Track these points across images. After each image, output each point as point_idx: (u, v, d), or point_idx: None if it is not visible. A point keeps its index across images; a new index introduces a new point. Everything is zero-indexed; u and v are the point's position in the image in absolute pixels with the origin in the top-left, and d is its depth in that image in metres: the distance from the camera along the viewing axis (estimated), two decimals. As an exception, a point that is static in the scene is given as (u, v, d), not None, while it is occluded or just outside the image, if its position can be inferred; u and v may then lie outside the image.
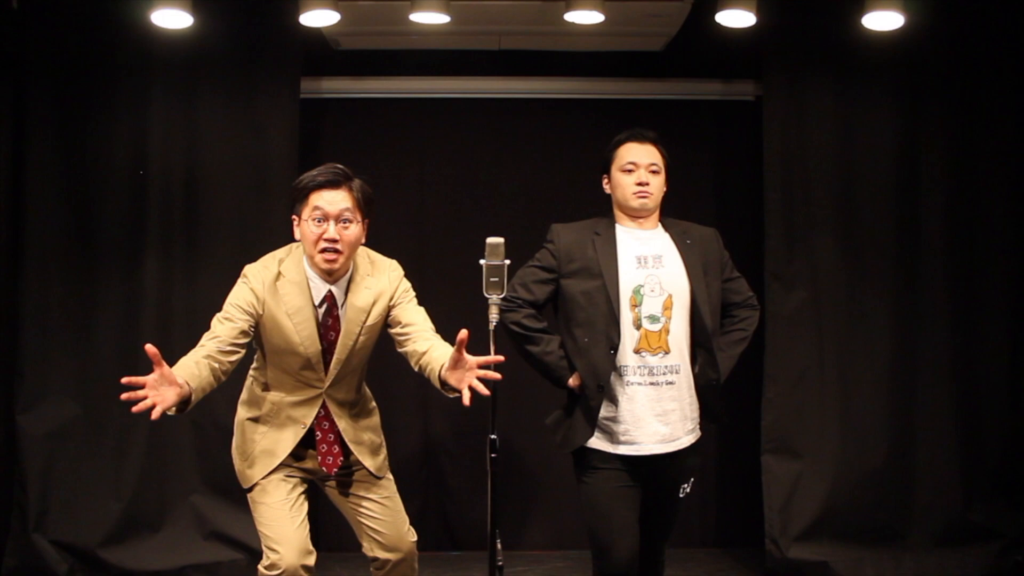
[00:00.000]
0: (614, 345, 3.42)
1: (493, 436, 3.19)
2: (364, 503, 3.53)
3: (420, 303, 3.56)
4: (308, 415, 3.44)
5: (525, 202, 5.53)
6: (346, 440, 3.46)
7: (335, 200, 3.29)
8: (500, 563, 3.19)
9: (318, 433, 3.45)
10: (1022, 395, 5.20)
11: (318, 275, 3.36)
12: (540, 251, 3.63)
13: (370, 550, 3.56)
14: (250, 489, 3.48)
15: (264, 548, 3.38)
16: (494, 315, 3.16)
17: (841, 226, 5.22)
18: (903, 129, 5.23)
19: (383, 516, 3.53)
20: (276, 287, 3.35)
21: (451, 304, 5.33)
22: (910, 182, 5.23)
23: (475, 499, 5.24)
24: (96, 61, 5.12)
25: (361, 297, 3.39)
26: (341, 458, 3.48)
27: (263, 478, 3.43)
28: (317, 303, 3.36)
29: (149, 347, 2.94)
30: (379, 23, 5.06)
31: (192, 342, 5.10)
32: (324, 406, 3.44)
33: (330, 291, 3.37)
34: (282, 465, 3.45)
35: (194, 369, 3.15)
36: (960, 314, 5.22)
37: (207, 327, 5.10)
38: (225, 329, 3.31)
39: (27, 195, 5.10)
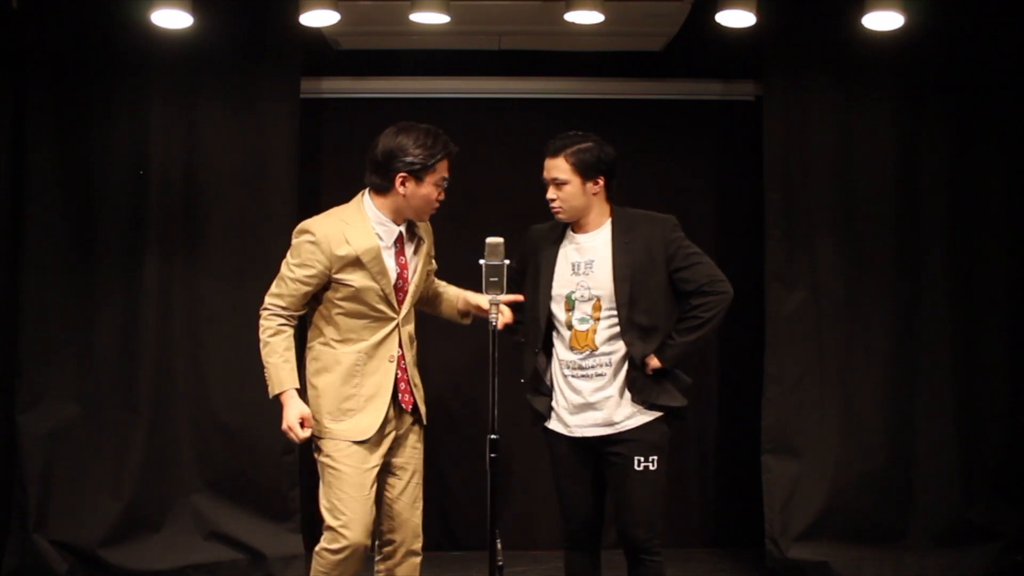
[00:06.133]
0: (539, 344, 3.66)
1: (493, 436, 3.22)
2: (398, 483, 3.66)
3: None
4: (392, 347, 3.58)
5: (525, 202, 5.50)
6: (410, 376, 3.64)
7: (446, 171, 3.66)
8: (500, 563, 3.20)
9: (398, 371, 3.61)
10: (1022, 395, 5.21)
11: (389, 219, 3.60)
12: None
13: (386, 533, 3.67)
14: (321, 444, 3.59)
15: (328, 524, 3.50)
16: (495, 315, 3.23)
17: (841, 226, 5.22)
18: (903, 129, 5.23)
19: (405, 499, 3.66)
20: (343, 234, 3.54)
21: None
22: (910, 182, 5.23)
23: (475, 499, 5.22)
24: (96, 61, 5.12)
25: (422, 232, 3.73)
26: (412, 396, 3.64)
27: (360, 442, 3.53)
28: (389, 243, 3.60)
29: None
30: (379, 23, 5.06)
31: (192, 342, 5.19)
32: (399, 338, 3.61)
33: (400, 231, 3.63)
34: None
35: (292, 370, 3.54)
36: (960, 314, 5.22)
37: (207, 327, 5.19)
38: (297, 297, 3.56)
39: (27, 195, 5.10)
